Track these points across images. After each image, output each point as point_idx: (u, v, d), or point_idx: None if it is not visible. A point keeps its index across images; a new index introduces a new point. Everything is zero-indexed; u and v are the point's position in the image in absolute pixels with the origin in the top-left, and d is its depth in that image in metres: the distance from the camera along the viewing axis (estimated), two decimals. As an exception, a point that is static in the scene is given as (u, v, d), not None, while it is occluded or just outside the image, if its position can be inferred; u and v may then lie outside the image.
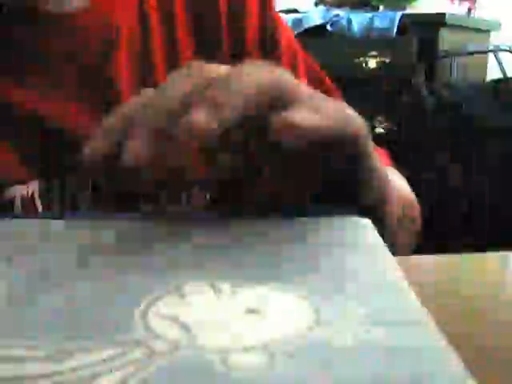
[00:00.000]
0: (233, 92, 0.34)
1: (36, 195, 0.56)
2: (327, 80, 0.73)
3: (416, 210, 0.68)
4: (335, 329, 0.24)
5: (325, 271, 0.30)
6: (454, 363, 0.22)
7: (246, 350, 0.23)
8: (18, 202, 0.55)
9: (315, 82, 0.71)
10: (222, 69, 0.37)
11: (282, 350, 0.23)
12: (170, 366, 0.22)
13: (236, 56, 0.65)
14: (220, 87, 0.34)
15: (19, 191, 0.55)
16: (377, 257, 0.32)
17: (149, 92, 0.37)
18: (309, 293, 0.28)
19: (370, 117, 2.42)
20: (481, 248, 0.59)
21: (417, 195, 0.71)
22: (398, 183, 0.62)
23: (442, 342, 0.23)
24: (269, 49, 0.67)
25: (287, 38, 0.70)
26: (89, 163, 0.34)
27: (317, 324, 0.25)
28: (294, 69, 0.69)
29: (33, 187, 0.56)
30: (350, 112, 0.39)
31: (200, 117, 0.32)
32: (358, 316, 0.25)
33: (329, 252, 0.32)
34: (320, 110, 0.36)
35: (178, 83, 0.36)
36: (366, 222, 0.37)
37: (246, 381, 0.21)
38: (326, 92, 0.70)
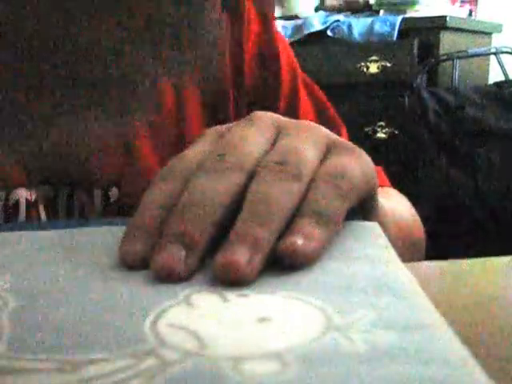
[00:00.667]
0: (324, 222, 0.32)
1: (40, 201, 0.56)
2: (327, 102, 0.72)
3: (417, 231, 0.67)
4: (346, 334, 0.24)
5: (334, 276, 0.30)
6: (469, 368, 0.22)
7: (257, 357, 0.23)
8: (22, 207, 0.55)
9: (317, 107, 0.71)
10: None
11: (293, 357, 0.22)
12: (181, 375, 0.22)
13: (235, 67, 0.65)
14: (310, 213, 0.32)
15: (24, 195, 0.55)
16: (387, 261, 0.32)
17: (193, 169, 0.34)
18: (318, 298, 0.27)
19: (371, 121, 2.42)
20: (483, 252, 0.58)
21: (418, 197, 0.71)
22: (395, 207, 0.62)
23: (456, 347, 0.23)
24: (267, 64, 0.67)
25: (287, 56, 0.69)
26: (127, 263, 0.32)
27: (327, 330, 0.25)
28: (293, 89, 0.68)
29: (36, 192, 0.56)
30: (368, 164, 0.38)
31: (240, 258, 0.30)
32: (368, 321, 0.25)
33: (338, 257, 0.32)
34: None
35: (229, 175, 0.33)
36: (375, 226, 0.37)
37: (259, 389, 0.21)
38: (328, 119, 0.70)
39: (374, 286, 0.29)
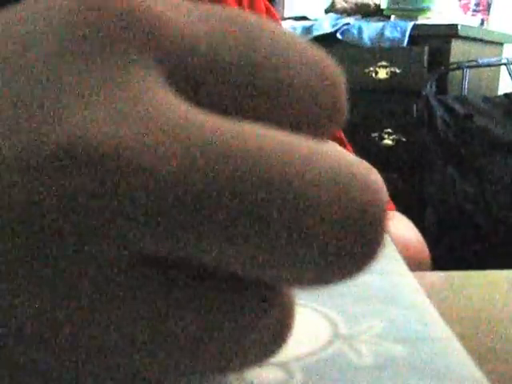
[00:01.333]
0: None
1: None
2: None
3: (423, 253, 0.68)
4: (354, 345, 0.24)
5: (342, 285, 0.29)
6: (478, 381, 0.21)
7: (262, 366, 0.22)
8: None
9: None
10: None
11: (300, 366, 0.22)
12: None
13: None
14: None
15: None
16: (396, 272, 0.32)
17: None
18: (326, 308, 0.27)
19: (378, 127, 2.41)
20: (485, 263, 0.57)
21: (423, 206, 0.70)
22: (402, 230, 0.63)
23: (464, 362, 0.23)
24: None
25: None
26: None
27: (335, 340, 0.24)
28: None
29: None
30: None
31: None
32: (376, 332, 0.25)
33: None
34: None
35: None
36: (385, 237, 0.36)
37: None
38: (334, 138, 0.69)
39: (383, 296, 0.29)
